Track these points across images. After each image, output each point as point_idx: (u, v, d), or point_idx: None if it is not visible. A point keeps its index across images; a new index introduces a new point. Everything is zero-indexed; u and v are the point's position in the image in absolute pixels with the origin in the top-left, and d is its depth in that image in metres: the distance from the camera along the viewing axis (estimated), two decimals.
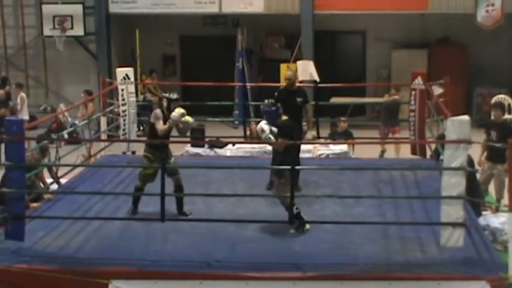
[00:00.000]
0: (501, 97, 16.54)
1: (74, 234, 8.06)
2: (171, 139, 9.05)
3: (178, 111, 8.64)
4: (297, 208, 7.96)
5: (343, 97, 17.76)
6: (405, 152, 11.67)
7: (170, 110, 8.68)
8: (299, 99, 9.66)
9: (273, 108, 8.36)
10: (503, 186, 10.87)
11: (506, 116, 11.65)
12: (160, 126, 8.65)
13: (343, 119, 14.41)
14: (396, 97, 14.62)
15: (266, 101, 8.49)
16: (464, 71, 18.50)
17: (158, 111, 8.76)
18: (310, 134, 10.11)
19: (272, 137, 8.17)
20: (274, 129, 8.19)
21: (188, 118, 8.76)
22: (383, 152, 14.53)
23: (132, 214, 8.68)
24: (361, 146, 13.59)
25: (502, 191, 10.88)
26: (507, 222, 7.42)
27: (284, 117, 8.37)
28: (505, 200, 10.99)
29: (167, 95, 8.93)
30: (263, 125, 8.23)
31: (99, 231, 8.17)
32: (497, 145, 10.42)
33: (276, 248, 7.71)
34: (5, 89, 17.58)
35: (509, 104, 17.02)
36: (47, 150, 9.82)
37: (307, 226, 8.13)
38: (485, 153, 11.30)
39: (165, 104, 8.78)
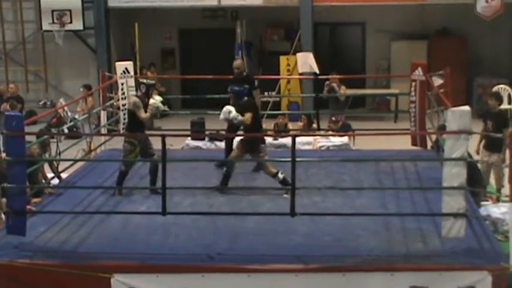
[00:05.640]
0: (501, 87, 16.54)
1: (76, 228, 8.05)
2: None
3: (159, 99, 9.34)
4: (282, 173, 8.93)
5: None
6: (404, 143, 11.67)
7: (149, 96, 9.24)
8: (246, 86, 10.20)
9: (241, 88, 9.77)
10: (502, 175, 10.88)
11: (506, 106, 11.63)
12: (143, 114, 9.13)
13: (333, 119, 14.04)
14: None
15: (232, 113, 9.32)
16: (464, 62, 18.48)
17: (137, 99, 9.20)
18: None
19: (239, 115, 9.21)
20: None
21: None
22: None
23: (119, 195, 9.14)
24: (362, 137, 13.56)
25: (501, 180, 10.89)
26: (508, 212, 7.43)
27: (245, 98, 9.64)
28: (506, 190, 11.07)
29: (144, 80, 9.57)
30: (229, 107, 9.36)
31: (101, 226, 8.16)
32: (496, 135, 10.42)
33: (278, 240, 7.69)
34: None
35: (509, 94, 17.02)
36: (48, 145, 9.81)
37: None
38: (483, 142, 11.32)
39: (143, 89, 9.26)
